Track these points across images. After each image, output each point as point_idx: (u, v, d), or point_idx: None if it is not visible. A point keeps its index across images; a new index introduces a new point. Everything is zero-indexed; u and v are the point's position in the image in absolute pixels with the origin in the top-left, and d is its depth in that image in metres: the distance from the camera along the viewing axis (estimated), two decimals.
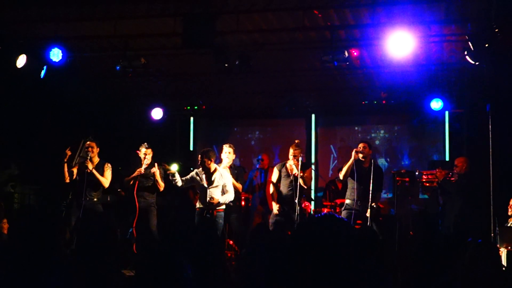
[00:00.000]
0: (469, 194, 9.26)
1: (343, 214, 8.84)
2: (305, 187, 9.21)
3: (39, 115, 11.07)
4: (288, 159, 9.28)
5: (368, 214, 8.57)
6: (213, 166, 8.89)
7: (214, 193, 8.79)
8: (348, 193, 8.89)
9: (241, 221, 9.80)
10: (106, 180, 9.14)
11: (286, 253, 3.11)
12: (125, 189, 10.48)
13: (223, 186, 8.83)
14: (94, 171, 8.98)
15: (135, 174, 9.23)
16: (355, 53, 8.95)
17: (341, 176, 9.04)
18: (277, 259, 3.12)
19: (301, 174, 9.06)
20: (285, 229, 9.05)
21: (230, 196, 8.90)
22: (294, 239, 2.54)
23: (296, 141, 9.46)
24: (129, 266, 8.71)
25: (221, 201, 8.76)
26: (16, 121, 10.70)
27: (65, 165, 9.02)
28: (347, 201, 8.87)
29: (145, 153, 9.32)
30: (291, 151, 9.19)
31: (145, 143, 9.42)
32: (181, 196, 10.49)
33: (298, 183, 8.99)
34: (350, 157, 8.86)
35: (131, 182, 9.30)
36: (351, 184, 8.86)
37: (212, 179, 8.82)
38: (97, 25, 8.83)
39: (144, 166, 9.29)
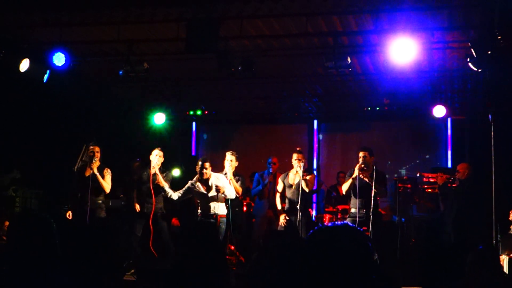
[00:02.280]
0: (467, 200, 9.24)
1: (347, 221, 8.81)
2: (307, 190, 9.20)
3: (42, 120, 11.07)
4: (290, 168, 9.34)
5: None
6: (208, 173, 8.94)
7: (216, 197, 8.85)
8: (352, 201, 8.84)
9: (244, 227, 9.80)
10: (107, 184, 9.12)
11: (296, 259, 3.11)
12: (126, 195, 10.49)
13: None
14: (98, 175, 8.96)
15: (154, 172, 9.23)
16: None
17: (343, 191, 8.97)
18: (288, 265, 3.11)
19: (304, 176, 9.09)
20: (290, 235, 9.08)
21: (232, 192, 8.96)
22: (308, 247, 2.54)
23: (298, 148, 9.56)
24: (130, 270, 8.71)
25: (226, 192, 8.82)
26: (18, 125, 10.71)
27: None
28: (352, 210, 8.82)
29: (158, 155, 9.34)
30: (294, 156, 9.25)
31: (159, 147, 9.44)
32: (182, 202, 10.43)
33: (300, 188, 9.02)
34: (353, 172, 8.81)
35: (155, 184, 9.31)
36: (354, 193, 8.81)
37: (210, 184, 8.86)
38: (100, 30, 8.83)
39: (156, 169, 9.28)
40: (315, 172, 12.84)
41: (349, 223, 2.63)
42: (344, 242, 2.46)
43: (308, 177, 9.18)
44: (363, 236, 2.56)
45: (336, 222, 2.61)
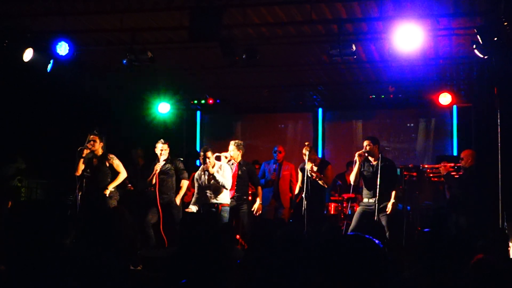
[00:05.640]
0: (472, 189, 9.20)
1: (358, 210, 8.84)
2: (326, 186, 9.65)
3: (46, 109, 11.07)
4: (295, 157, 9.54)
5: (388, 209, 8.55)
6: (212, 161, 8.97)
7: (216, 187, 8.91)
8: (363, 191, 8.90)
9: (251, 216, 9.80)
10: (120, 173, 9.08)
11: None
12: (134, 185, 10.47)
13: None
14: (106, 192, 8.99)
15: (154, 172, 9.19)
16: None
17: (351, 182, 8.99)
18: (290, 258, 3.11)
19: (318, 175, 9.48)
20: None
21: (228, 182, 8.99)
22: (319, 257, 2.54)
23: (306, 143, 9.67)
24: (136, 262, 8.70)
25: (216, 175, 8.86)
26: (22, 115, 10.71)
27: (81, 160, 9.02)
28: (364, 199, 8.85)
29: (162, 149, 9.31)
30: (304, 151, 9.43)
31: (161, 140, 9.40)
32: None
33: (306, 177, 9.26)
34: (355, 161, 8.83)
35: (154, 181, 9.25)
36: (363, 183, 8.86)
37: (210, 171, 8.92)
38: (103, 18, 8.81)
39: (162, 163, 9.28)
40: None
41: (360, 234, 2.63)
42: (357, 254, 2.48)
43: (326, 173, 9.61)
44: (376, 246, 2.55)
45: (349, 233, 2.63)
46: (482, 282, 2.99)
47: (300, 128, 14.42)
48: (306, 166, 9.55)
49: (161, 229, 9.12)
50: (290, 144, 14.21)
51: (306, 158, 9.47)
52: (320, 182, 9.52)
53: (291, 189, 10.53)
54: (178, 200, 9.40)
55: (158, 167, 9.17)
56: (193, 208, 9.07)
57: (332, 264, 2.48)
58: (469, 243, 4.64)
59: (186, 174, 9.56)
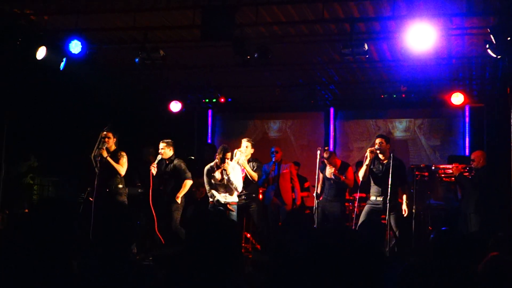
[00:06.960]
0: (484, 189, 9.16)
1: (366, 208, 8.81)
2: (351, 186, 10.04)
3: (58, 107, 11.12)
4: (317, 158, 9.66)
5: (405, 212, 8.59)
6: (231, 163, 8.99)
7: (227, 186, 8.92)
8: (371, 189, 8.86)
9: (261, 214, 9.80)
10: (121, 167, 9.01)
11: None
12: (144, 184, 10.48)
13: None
14: (108, 158, 8.90)
15: (151, 172, 9.15)
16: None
17: (360, 178, 8.97)
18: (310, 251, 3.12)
19: (342, 178, 9.82)
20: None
21: (239, 184, 8.96)
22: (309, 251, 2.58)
23: (326, 148, 10.17)
24: (147, 256, 8.72)
25: (231, 176, 8.79)
26: (35, 112, 10.76)
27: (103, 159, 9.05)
28: (371, 197, 8.82)
29: (161, 148, 9.27)
30: (324, 155, 9.74)
31: (163, 139, 9.34)
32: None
33: (332, 180, 9.73)
34: (366, 157, 8.80)
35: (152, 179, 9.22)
36: (372, 180, 8.81)
37: (228, 172, 8.88)
38: (116, 17, 8.84)
39: (158, 163, 9.22)
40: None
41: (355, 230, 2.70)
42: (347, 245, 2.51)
43: (347, 177, 9.87)
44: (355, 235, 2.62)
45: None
46: (495, 280, 2.99)
47: (311, 127, 14.40)
48: (327, 170, 9.68)
49: (156, 229, 9.09)
50: (301, 143, 14.22)
51: (327, 162, 9.77)
52: (346, 184, 9.91)
53: (294, 187, 10.55)
54: (179, 199, 9.31)
55: (153, 169, 9.14)
56: (219, 197, 9.00)
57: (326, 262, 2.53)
58: (482, 242, 4.63)
59: (189, 174, 9.48)
